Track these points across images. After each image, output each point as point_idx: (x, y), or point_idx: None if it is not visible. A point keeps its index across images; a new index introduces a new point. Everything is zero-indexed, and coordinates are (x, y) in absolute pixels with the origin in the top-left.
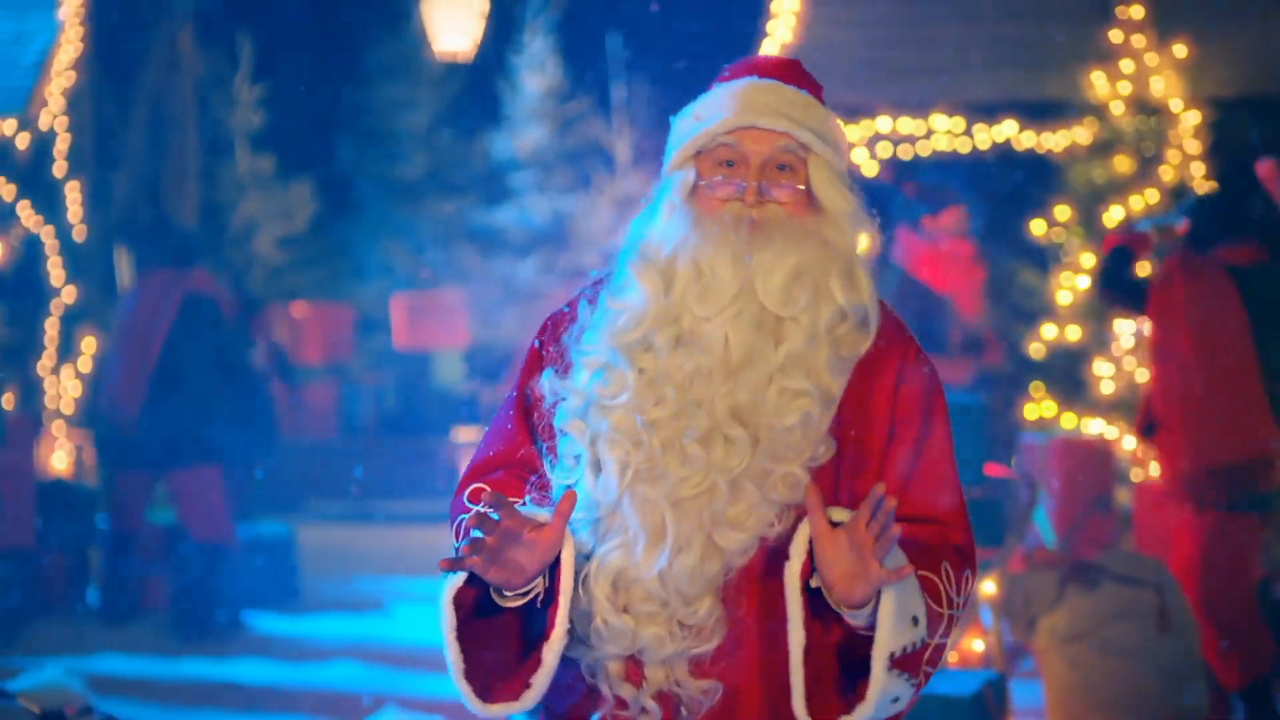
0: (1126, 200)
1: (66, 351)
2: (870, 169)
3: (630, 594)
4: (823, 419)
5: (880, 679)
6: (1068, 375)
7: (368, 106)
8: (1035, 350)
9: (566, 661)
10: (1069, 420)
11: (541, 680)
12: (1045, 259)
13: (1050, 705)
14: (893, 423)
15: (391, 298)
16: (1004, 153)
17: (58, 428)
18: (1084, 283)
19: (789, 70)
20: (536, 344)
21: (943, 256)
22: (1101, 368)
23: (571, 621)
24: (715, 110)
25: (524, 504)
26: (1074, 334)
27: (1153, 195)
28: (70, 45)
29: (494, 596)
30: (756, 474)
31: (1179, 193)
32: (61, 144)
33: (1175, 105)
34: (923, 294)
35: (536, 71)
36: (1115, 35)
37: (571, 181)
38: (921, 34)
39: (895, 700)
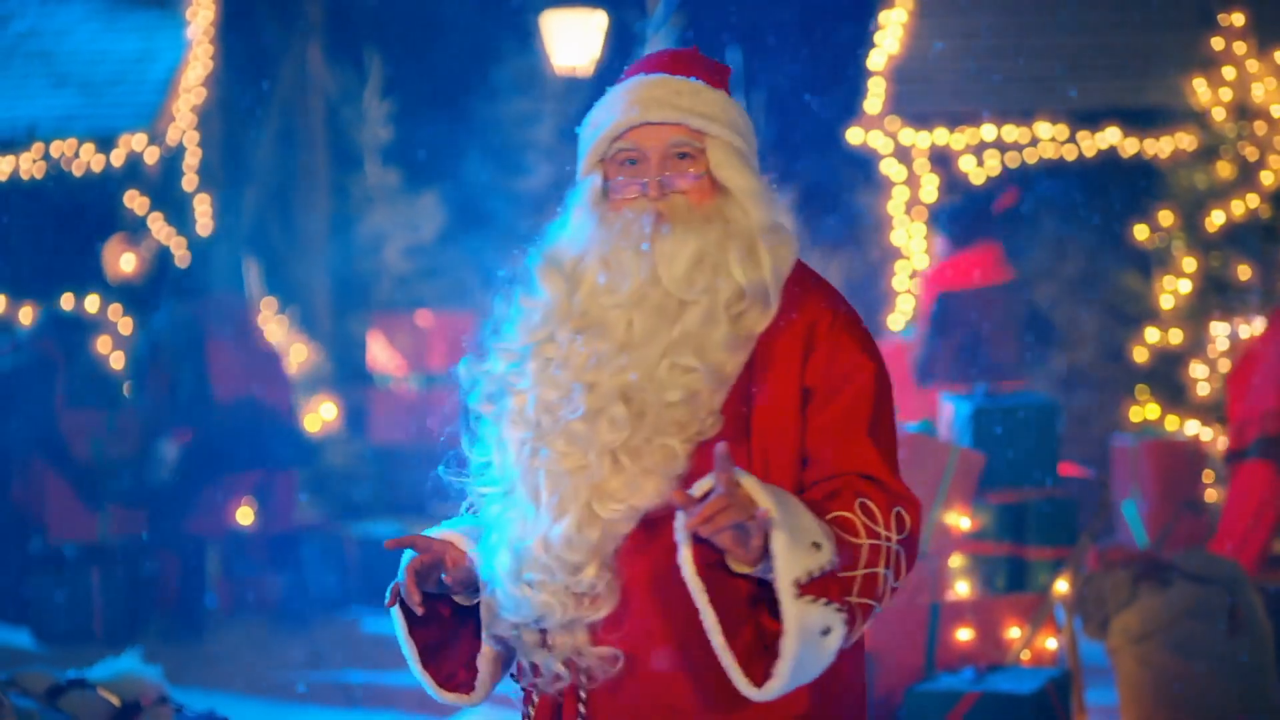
0: (1228, 205)
1: None
2: (978, 177)
3: (528, 563)
4: (711, 396)
5: (791, 607)
6: (1169, 378)
7: (493, 120)
8: (1139, 354)
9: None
10: (1172, 423)
11: (484, 684)
12: (1149, 263)
13: (1123, 703)
14: (804, 389)
15: None
16: (1107, 159)
17: (183, 434)
18: (1185, 287)
19: (678, 61)
20: None
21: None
22: (1198, 370)
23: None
24: (608, 114)
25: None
26: (1176, 338)
27: (1253, 200)
28: (199, 63)
29: (455, 598)
30: (634, 447)
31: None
32: (191, 159)
33: (1277, 111)
34: None
35: None
36: (1217, 42)
37: None
38: (1024, 43)
39: (826, 632)
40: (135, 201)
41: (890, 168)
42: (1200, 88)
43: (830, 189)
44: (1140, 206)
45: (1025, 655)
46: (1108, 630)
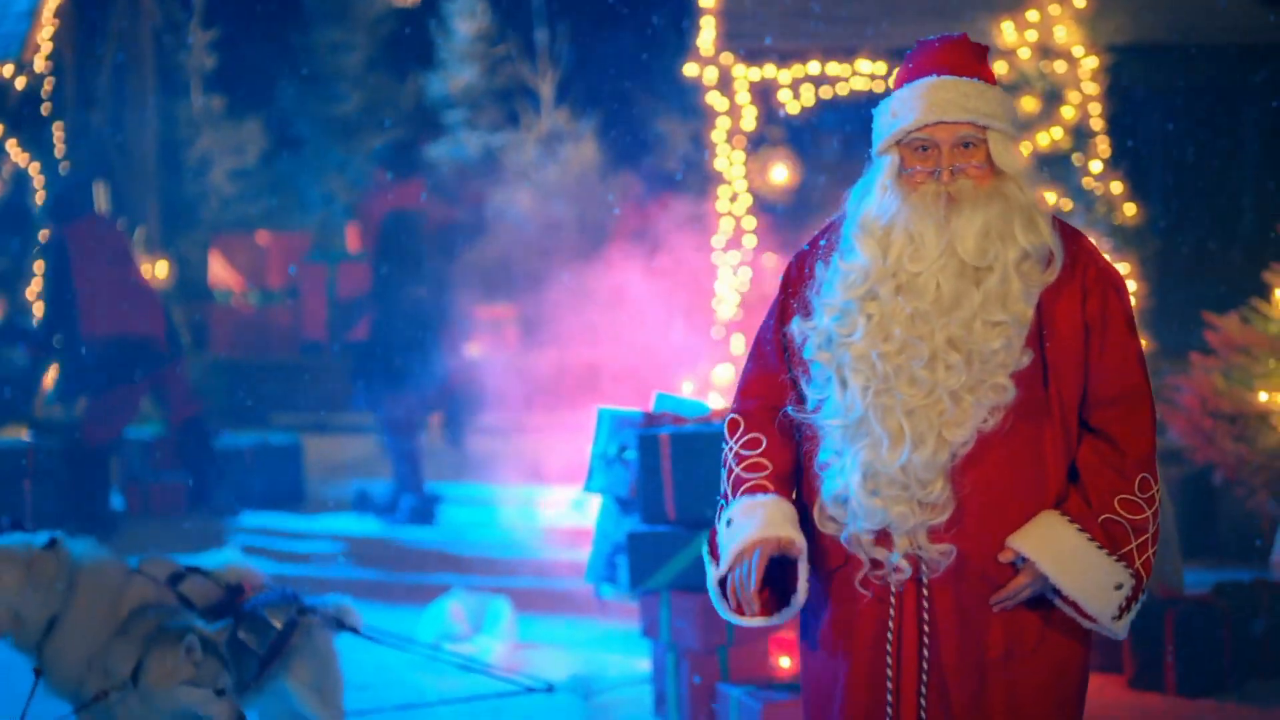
0: (1034, 137)
1: None
2: (794, 108)
3: (877, 481)
4: (1019, 337)
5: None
6: None
7: (308, 49)
8: None
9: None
10: None
11: (795, 603)
12: None
13: None
14: (1086, 329)
15: (346, 226)
16: None
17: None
18: None
19: (961, 59)
20: (782, 297)
21: None
22: None
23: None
24: (908, 110)
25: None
26: None
27: (1057, 133)
28: None
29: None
30: (972, 385)
31: (1078, 129)
32: (48, 86)
33: (1076, 51)
34: None
35: (467, 17)
36: None
37: (500, 119)
38: None
39: (1119, 587)
40: None
41: (714, 99)
42: (1008, 29)
43: (644, 116)
44: None
45: None
46: None
